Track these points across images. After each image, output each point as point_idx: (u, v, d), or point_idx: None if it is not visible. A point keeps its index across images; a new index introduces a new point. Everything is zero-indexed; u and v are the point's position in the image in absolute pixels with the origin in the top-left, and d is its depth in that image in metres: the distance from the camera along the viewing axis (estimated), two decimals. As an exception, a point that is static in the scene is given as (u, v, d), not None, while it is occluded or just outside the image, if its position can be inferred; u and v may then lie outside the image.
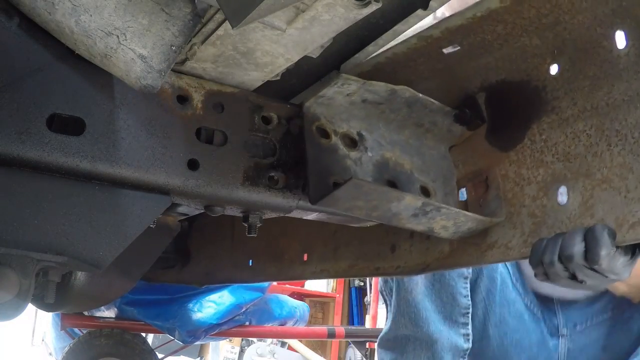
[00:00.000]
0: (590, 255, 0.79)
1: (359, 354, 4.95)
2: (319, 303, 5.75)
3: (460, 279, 1.77)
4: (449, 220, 0.95)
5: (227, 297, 2.39)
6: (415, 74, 1.02)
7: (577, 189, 0.88)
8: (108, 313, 2.44)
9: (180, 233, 1.81)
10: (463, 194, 1.07)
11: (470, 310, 1.78)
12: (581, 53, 0.87)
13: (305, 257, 1.39)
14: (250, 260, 1.57)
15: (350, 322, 6.17)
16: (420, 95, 1.00)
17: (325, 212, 1.09)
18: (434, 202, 0.94)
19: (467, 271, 1.78)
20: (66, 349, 2.28)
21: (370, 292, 4.87)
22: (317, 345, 4.95)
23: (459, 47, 0.96)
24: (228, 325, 2.45)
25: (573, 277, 0.83)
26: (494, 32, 0.92)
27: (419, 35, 0.96)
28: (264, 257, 1.54)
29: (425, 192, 1.06)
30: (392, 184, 1.03)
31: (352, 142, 1.03)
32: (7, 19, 0.78)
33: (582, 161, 0.88)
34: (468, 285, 1.78)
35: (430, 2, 0.92)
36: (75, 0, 0.72)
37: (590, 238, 0.79)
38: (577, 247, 0.80)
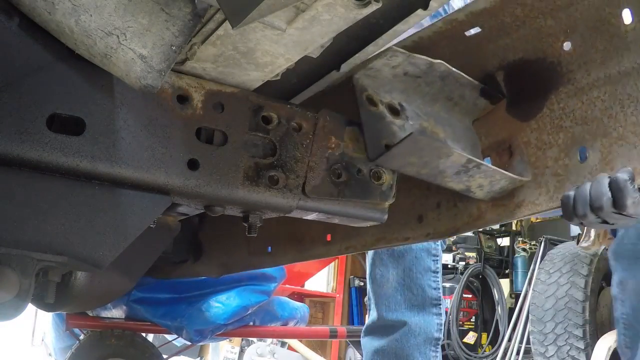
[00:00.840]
0: (618, 204, 0.88)
1: (359, 354, 4.95)
2: (319, 303, 5.75)
3: (428, 273, 1.91)
4: (486, 179, 1.03)
5: (234, 299, 2.41)
6: (438, 55, 1.08)
7: (596, 148, 0.97)
8: (116, 311, 2.44)
9: (191, 227, 1.82)
10: (488, 162, 1.13)
11: (442, 302, 1.91)
12: (592, 30, 0.96)
13: (329, 237, 1.43)
14: (270, 247, 1.59)
15: (350, 322, 6.17)
16: (453, 69, 1.07)
17: (325, 212, 1.10)
18: (476, 160, 1.00)
19: (435, 265, 1.91)
20: (73, 348, 2.29)
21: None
22: (317, 345, 4.95)
23: (480, 30, 1.04)
24: (234, 326, 2.47)
25: (604, 222, 0.93)
26: (513, 15, 1.01)
27: (444, 20, 1.05)
28: (284, 242, 1.56)
29: None
30: None
31: (395, 111, 1.08)
32: (7, 19, 0.78)
33: (599, 123, 0.97)
34: (438, 279, 1.91)
35: (430, 2, 0.92)
36: (75, 0, 0.72)
37: (615, 189, 0.88)
38: (606, 198, 0.88)
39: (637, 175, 0.90)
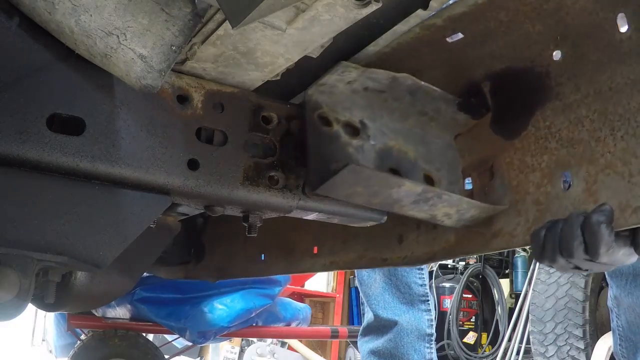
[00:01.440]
0: (590, 252, 0.79)
1: (359, 355, 4.94)
2: (319, 303, 5.74)
3: (413, 270, 1.95)
4: (452, 208, 0.95)
5: (238, 302, 2.43)
6: (420, 63, 1.02)
7: (580, 176, 0.88)
8: (120, 310, 2.44)
9: (195, 228, 1.82)
10: (469, 183, 1.07)
11: (429, 298, 1.94)
12: (584, 38, 0.87)
13: (316, 249, 1.40)
14: (263, 255, 1.58)
15: (350, 322, 6.16)
16: (422, 82, 0.99)
17: (325, 212, 1.09)
18: (434, 189, 0.94)
19: None
20: (76, 347, 2.30)
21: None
22: (317, 345, 4.95)
23: (462, 36, 0.95)
24: (237, 328, 2.49)
25: (576, 267, 0.84)
26: (496, 20, 0.92)
27: (422, 25, 0.96)
28: (276, 251, 1.55)
29: (429, 180, 1.06)
30: (395, 172, 1.03)
31: (355, 131, 1.02)
32: (7, 19, 0.78)
33: (586, 147, 0.88)
34: (424, 275, 1.94)
35: (430, 2, 0.92)
36: (75, 0, 0.72)
37: (588, 233, 0.78)
38: (576, 243, 0.79)
39: (621, 211, 0.80)
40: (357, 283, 6.17)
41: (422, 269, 1.99)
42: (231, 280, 2.42)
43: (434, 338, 2.00)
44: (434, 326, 1.99)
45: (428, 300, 1.97)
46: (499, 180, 1.01)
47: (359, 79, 0.97)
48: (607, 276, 2.19)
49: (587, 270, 0.84)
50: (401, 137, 1.05)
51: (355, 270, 2.12)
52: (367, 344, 2.03)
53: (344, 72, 0.96)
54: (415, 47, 0.99)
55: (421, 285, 1.97)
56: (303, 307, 2.91)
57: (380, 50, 1.01)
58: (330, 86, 0.98)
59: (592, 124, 0.88)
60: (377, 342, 1.98)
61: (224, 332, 2.41)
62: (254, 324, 2.61)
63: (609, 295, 2.22)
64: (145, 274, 2.36)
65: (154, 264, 1.86)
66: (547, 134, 0.95)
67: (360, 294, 2.09)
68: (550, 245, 0.82)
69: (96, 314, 2.47)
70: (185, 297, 2.37)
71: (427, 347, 1.95)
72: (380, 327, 1.98)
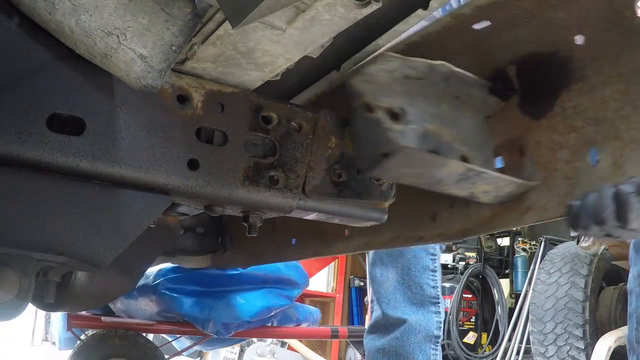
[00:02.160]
0: (621, 219, 0.86)
1: (359, 354, 4.94)
2: (319, 303, 5.75)
3: (427, 272, 1.94)
4: (490, 185, 1.00)
5: (260, 299, 2.48)
6: (447, 51, 1.06)
7: (607, 151, 0.94)
8: (142, 300, 2.46)
9: (223, 217, 1.83)
10: (500, 162, 1.12)
11: (440, 301, 1.94)
12: (605, 23, 0.92)
13: (346, 232, 1.43)
14: (294, 240, 1.61)
15: (350, 322, 6.17)
16: (456, 69, 1.04)
17: (325, 212, 1.09)
18: (476, 167, 0.98)
19: (433, 264, 1.94)
20: (76, 347, 2.31)
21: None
22: (317, 345, 4.95)
23: (489, 23, 1.01)
24: (255, 325, 2.54)
25: (608, 234, 0.90)
26: (521, 7, 0.97)
27: (451, 14, 1.02)
28: (307, 236, 1.57)
29: (465, 160, 1.09)
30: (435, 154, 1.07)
31: (395, 116, 1.05)
32: (7, 19, 0.78)
33: (611, 124, 0.94)
34: (436, 278, 1.94)
35: (431, 2, 0.92)
36: (75, 0, 0.72)
37: (619, 202, 0.85)
38: (608, 212, 0.86)
39: None
40: (360, 282, 6.14)
41: (435, 272, 1.99)
42: (253, 278, 2.48)
43: (440, 340, 1.99)
44: (442, 329, 1.99)
45: (439, 303, 1.98)
46: (529, 159, 1.06)
47: (400, 68, 1.02)
48: (631, 253, 2.19)
49: (617, 237, 0.90)
50: (437, 121, 1.09)
51: (368, 268, 2.13)
52: (372, 342, 2.04)
53: (385, 62, 1.00)
54: (444, 35, 1.05)
55: (433, 287, 1.97)
56: (314, 310, 2.97)
57: (410, 39, 1.07)
58: (372, 75, 1.02)
59: (616, 102, 0.93)
60: (383, 340, 1.98)
61: (243, 328, 2.46)
62: (270, 324, 2.67)
63: (630, 276, 2.22)
64: (169, 264, 2.41)
65: (182, 254, 1.88)
66: (573, 113, 1.00)
67: (370, 291, 2.10)
68: (585, 214, 0.89)
69: (112, 306, 2.50)
70: (208, 291, 2.41)
71: (433, 349, 1.95)
72: (388, 325, 1.99)
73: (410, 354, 1.92)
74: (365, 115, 1.02)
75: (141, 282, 2.42)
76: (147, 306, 2.47)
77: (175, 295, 2.39)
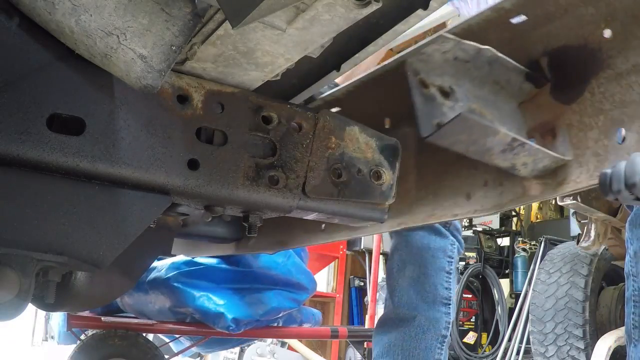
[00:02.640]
0: None
1: (359, 354, 4.95)
2: (319, 303, 5.75)
3: (442, 273, 1.99)
4: (530, 157, 1.09)
5: (270, 299, 2.51)
6: (486, 42, 1.14)
7: (633, 130, 1.04)
8: (153, 294, 2.46)
9: None
10: (533, 143, 1.21)
11: (452, 303, 1.98)
12: (631, 18, 1.02)
13: None
14: (323, 224, 1.65)
15: (350, 322, 6.17)
16: (500, 54, 1.12)
17: (325, 211, 1.09)
18: (521, 138, 1.06)
19: (449, 266, 1.98)
20: (76, 347, 2.31)
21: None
22: (317, 345, 4.95)
23: (525, 18, 1.11)
24: (262, 324, 2.56)
25: (637, 198, 0.98)
26: (556, 3, 1.08)
27: (493, 8, 1.12)
28: None
29: None
30: None
31: (445, 94, 1.13)
32: (7, 19, 0.78)
33: (637, 106, 1.04)
34: (451, 280, 1.97)
35: (431, 2, 0.92)
36: (75, 0, 0.72)
37: None
38: (638, 177, 0.94)
39: None
40: (360, 282, 6.14)
41: (450, 274, 2.04)
42: (265, 278, 2.51)
43: (447, 340, 2.02)
44: (450, 330, 2.02)
45: (450, 304, 2.02)
46: (560, 139, 1.15)
47: (453, 49, 1.10)
48: (627, 232, 2.21)
49: None
50: (480, 102, 1.17)
51: (388, 263, 2.16)
52: (380, 335, 2.06)
53: (442, 43, 1.07)
54: (484, 27, 1.15)
55: (446, 289, 2.02)
56: (316, 312, 3.00)
57: (452, 31, 1.16)
58: (428, 55, 1.10)
59: None
60: (391, 335, 2.01)
61: (252, 326, 2.47)
62: (275, 325, 2.69)
63: (626, 258, 2.22)
64: (182, 258, 2.43)
65: (209, 241, 1.88)
66: (602, 98, 1.09)
67: (386, 286, 2.13)
68: (616, 179, 0.97)
69: (119, 300, 2.50)
70: (220, 286, 2.43)
71: (439, 348, 1.98)
72: (397, 320, 2.02)
73: (416, 350, 1.94)
74: (421, 90, 1.11)
75: (152, 275, 2.44)
76: (157, 299, 2.47)
77: (188, 289, 2.40)
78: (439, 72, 1.13)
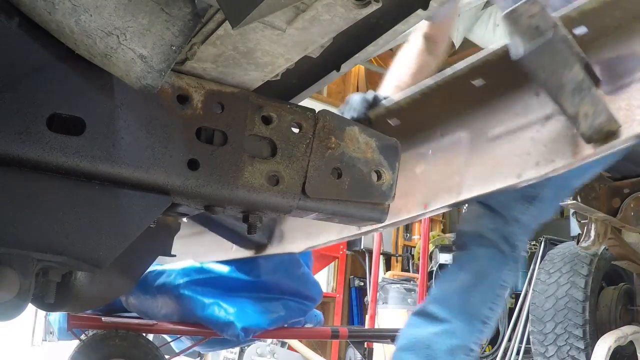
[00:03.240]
0: None
1: (359, 354, 4.94)
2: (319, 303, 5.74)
3: (493, 293, 2.09)
4: (592, 107, 1.13)
5: (278, 308, 2.53)
6: None
7: None
8: (161, 299, 2.45)
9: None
10: None
11: (490, 323, 2.02)
12: None
13: (425, 206, 1.50)
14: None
15: (350, 322, 6.17)
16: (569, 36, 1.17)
17: (324, 212, 1.09)
18: (589, 80, 1.11)
19: (500, 291, 2.08)
20: (76, 347, 2.30)
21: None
22: (317, 345, 4.95)
23: (587, 30, 1.18)
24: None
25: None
26: (612, 16, 1.16)
27: (560, 16, 1.17)
28: None
29: None
30: None
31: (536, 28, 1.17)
32: (7, 19, 0.78)
33: None
34: (497, 303, 2.08)
35: (431, 2, 0.92)
36: (75, 0, 0.72)
37: None
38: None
39: None
40: (360, 282, 6.10)
41: (498, 297, 2.02)
42: (274, 287, 2.52)
43: (475, 356, 2.00)
44: (479, 346, 2.02)
45: (487, 324, 1.99)
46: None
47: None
48: None
49: None
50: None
51: (449, 267, 2.17)
52: (409, 328, 2.04)
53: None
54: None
55: (489, 309, 2.00)
56: (318, 314, 3.01)
57: None
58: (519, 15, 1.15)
59: None
60: (419, 330, 1.99)
61: (259, 333, 2.48)
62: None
63: None
64: (192, 264, 2.43)
65: (228, 241, 1.88)
66: None
67: (433, 283, 2.14)
68: None
69: (123, 299, 2.49)
70: (230, 295, 2.43)
71: (463, 358, 1.96)
72: (431, 318, 2.00)
73: (439, 352, 1.93)
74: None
75: (161, 280, 2.42)
76: (165, 305, 2.46)
77: (199, 297, 2.39)
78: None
